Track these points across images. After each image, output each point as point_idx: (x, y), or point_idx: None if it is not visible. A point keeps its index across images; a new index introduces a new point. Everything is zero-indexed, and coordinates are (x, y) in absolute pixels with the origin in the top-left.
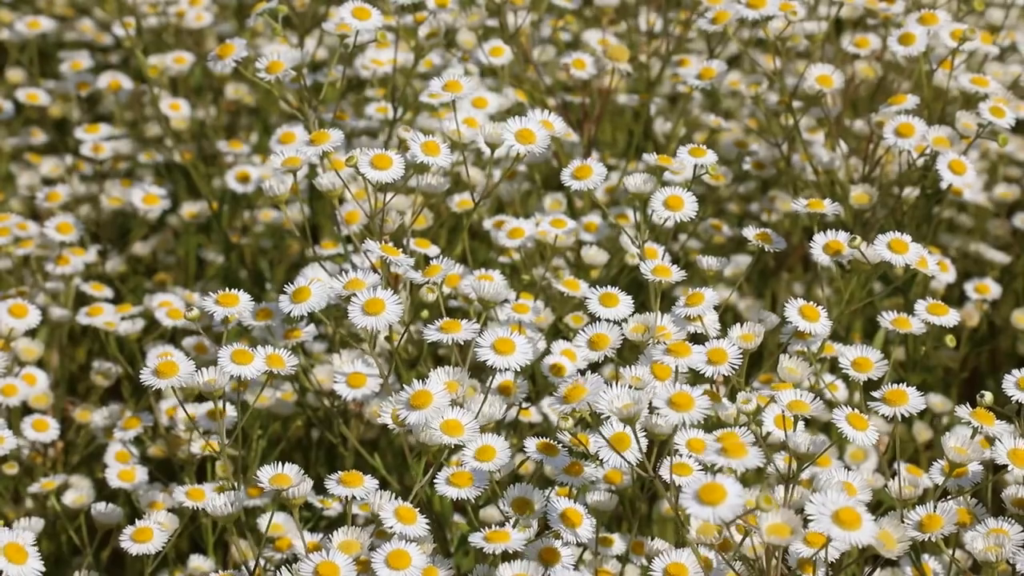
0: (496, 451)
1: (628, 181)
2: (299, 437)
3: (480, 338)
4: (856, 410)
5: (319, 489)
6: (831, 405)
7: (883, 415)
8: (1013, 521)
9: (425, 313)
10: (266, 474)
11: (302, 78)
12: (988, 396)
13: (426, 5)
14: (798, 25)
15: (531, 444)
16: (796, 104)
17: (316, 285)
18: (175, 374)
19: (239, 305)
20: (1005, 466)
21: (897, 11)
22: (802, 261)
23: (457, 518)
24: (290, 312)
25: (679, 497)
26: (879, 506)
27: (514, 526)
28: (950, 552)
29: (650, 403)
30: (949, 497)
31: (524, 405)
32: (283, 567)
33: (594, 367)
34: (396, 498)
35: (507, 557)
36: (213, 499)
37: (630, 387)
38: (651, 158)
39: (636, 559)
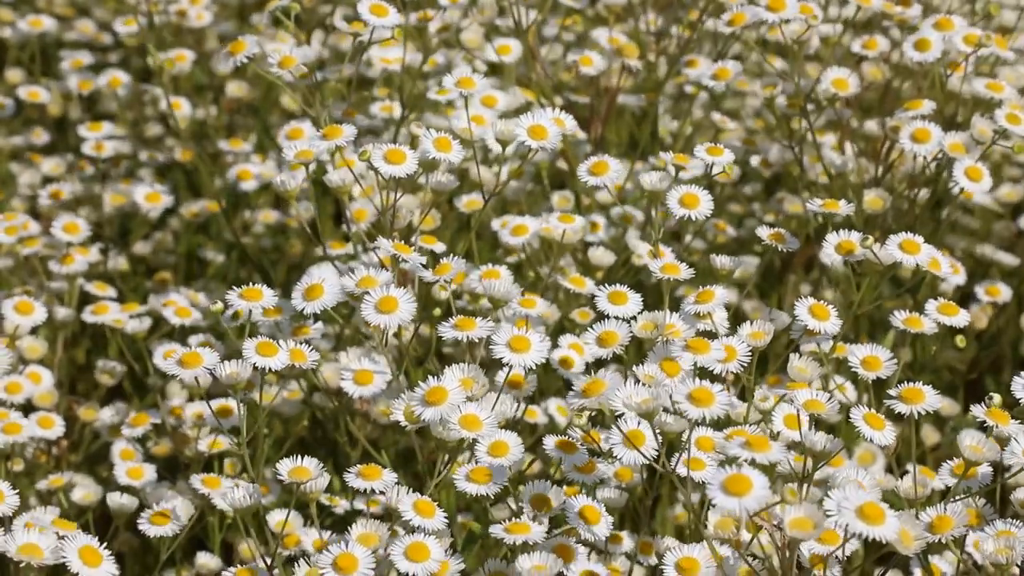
0: (509, 447)
1: (644, 179)
2: (303, 436)
3: (495, 336)
4: (871, 409)
5: (327, 487)
6: (848, 407)
7: (899, 413)
8: (1022, 524)
9: (437, 311)
10: (286, 467)
11: (312, 75)
12: (997, 398)
13: (438, 2)
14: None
15: (550, 442)
16: (809, 107)
17: (328, 283)
18: (199, 365)
19: (263, 299)
20: (1021, 467)
21: (914, 15)
22: (806, 263)
23: (459, 518)
24: (303, 310)
25: (705, 489)
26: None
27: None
28: (960, 552)
29: (668, 399)
30: (958, 498)
31: (528, 405)
32: (290, 564)
33: (600, 364)
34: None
35: (526, 549)
36: (232, 491)
37: (644, 384)
38: (668, 156)
39: (644, 559)
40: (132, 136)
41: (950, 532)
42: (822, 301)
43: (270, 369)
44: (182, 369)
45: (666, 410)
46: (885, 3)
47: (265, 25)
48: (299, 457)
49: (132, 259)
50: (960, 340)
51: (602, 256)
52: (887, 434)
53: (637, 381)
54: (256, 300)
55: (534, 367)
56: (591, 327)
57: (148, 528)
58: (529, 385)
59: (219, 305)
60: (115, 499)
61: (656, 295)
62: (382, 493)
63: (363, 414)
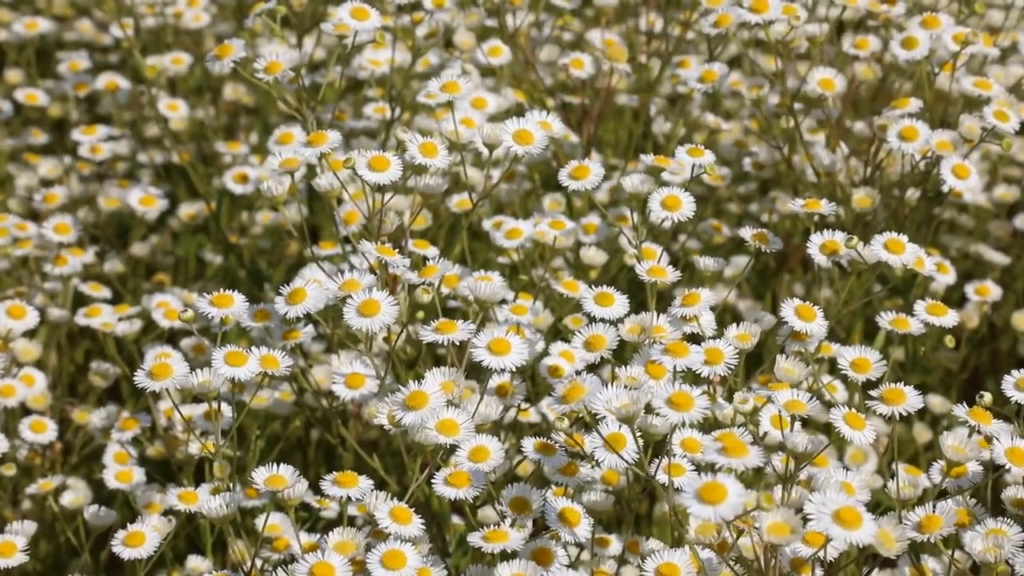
0: (490, 452)
1: (625, 181)
2: (298, 437)
3: (476, 339)
4: (854, 410)
5: (317, 489)
6: (830, 406)
7: (881, 414)
8: (1012, 522)
9: (421, 314)
10: (261, 475)
11: (300, 79)
12: (987, 397)
13: (423, 5)
14: (799, 27)
15: (528, 444)
16: (797, 106)
17: (312, 286)
18: (169, 376)
19: (234, 306)
20: (1003, 466)
21: (898, 13)
22: (803, 262)
23: (455, 519)
24: (285, 314)
25: (679, 497)
26: (878, 507)
27: (512, 525)
28: (949, 553)
29: (648, 403)
30: (948, 497)
31: (523, 406)
32: (280, 567)
33: (592, 368)
34: (392, 499)
35: (505, 556)
36: (209, 500)
37: (626, 387)
38: (648, 158)
39: (633, 559)
40: (131, 137)
41: (939, 532)
42: (809, 303)
43: (239, 379)
44: (152, 381)
45: (650, 412)
46: (871, 2)
47: (261, 27)
48: (277, 464)
49: (130, 261)
50: (948, 340)
51: (594, 255)
52: (867, 434)
53: (620, 385)
54: (227, 307)
55: (516, 370)
56: (579, 332)
57: (122, 551)
58: (517, 392)
59: (190, 314)
60: (92, 512)
61: (656, 293)
62: (359, 500)
63: (356, 416)
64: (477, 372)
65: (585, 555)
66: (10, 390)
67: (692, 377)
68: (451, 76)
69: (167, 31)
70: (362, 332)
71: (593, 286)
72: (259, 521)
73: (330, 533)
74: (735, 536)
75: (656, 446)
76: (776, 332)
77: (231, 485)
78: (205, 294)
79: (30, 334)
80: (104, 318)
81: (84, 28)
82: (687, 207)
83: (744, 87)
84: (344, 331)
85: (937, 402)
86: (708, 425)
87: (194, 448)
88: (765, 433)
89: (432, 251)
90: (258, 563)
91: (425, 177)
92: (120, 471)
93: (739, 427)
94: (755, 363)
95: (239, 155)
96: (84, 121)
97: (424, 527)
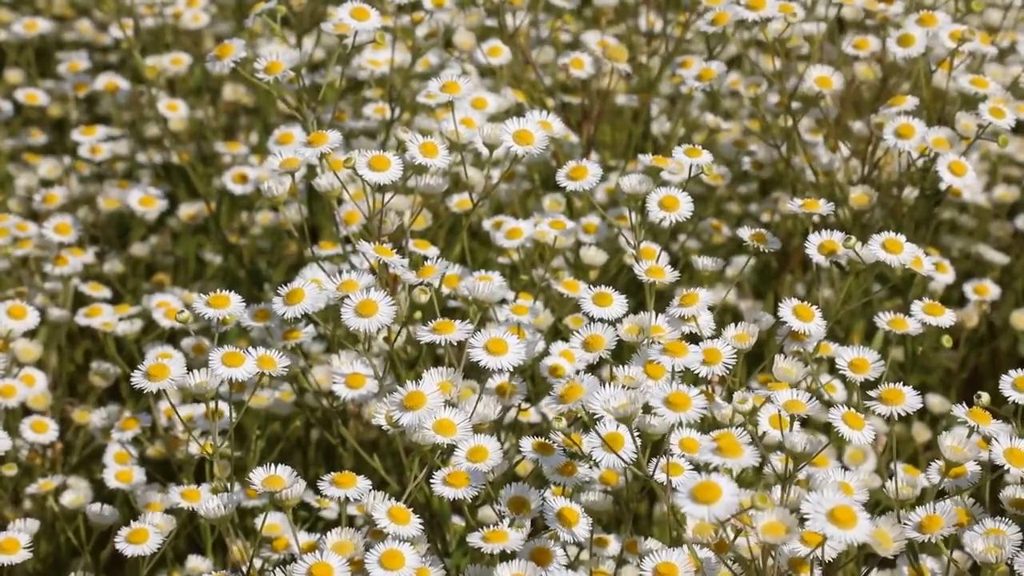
0: (488, 451)
1: (623, 182)
2: (298, 437)
3: (473, 339)
4: (853, 409)
5: (317, 489)
6: (829, 405)
7: (879, 414)
8: (1011, 522)
9: (418, 314)
10: (259, 476)
11: (300, 79)
12: (985, 396)
13: (423, 5)
14: (797, 26)
15: (527, 444)
16: (795, 105)
17: (310, 287)
18: (166, 377)
19: (230, 307)
20: (1002, 466)
21: (896, 12)
22: (804, 262)
23: (455, 519)
24: (283, 314)
25: (674, 496)
26: (877, 506)
27: (510, 525)
28: (949, 553)
29: (646, 403)
30: (947, 497)
31: (523, 406)
32: (280, 567)
33: (592, 368)
34: (391, 499)
35: (505, 557)
36: (207, 501)
37: (624, 387)
38: (647, 158)
39: (632, 559)
40: (131, 137)
41: (940, 531)
42: (808, 303)
43: (236, 380)
44: (149, 382)
45: (648, 412)
46: (868, 0)
47: (261, 27)
48: (275, 465)
49: (130, 261)
50: (946, 340)
51: (594, 255)
52: (866, 433)
53: (618, 384)
54: (223, 307)
55: (513, 369)
56: (578, 332)
57: (125, 547)
58: (517, 391)
59: (186, 315)
60: (94, 511)
61: (656, 293)
62: (357, 500)
63: (356, 415)
64: (477, 372)
65: (584, 555)
66: (11, 390)
67: (692, 377)
68: (451, 76)
69: (166, 31)
70: (361, 332)
71: (593, 286)
72: (259, 521)
73: (329, 533)
74: (733, 536)
75: (655, 446)
76: (776, 332)
77: (230, 485)
78: (204, 294)
79: (30, 334)
80: (104, 318)
81: (84, 28)
82: (685, 207)
83: (743, 87)
84: (344, 331)
85: (937, 402)
86: (707, 425)
87: (194, 448)
88: (764, 433)
89: (432, 251)
90: (257, 563)
91: (425, 177)
92: (120, 471)
93: (738, 427)
94: (756, 363)
95: (239, 155)
96: (84, 121)
97: (423, 527)
